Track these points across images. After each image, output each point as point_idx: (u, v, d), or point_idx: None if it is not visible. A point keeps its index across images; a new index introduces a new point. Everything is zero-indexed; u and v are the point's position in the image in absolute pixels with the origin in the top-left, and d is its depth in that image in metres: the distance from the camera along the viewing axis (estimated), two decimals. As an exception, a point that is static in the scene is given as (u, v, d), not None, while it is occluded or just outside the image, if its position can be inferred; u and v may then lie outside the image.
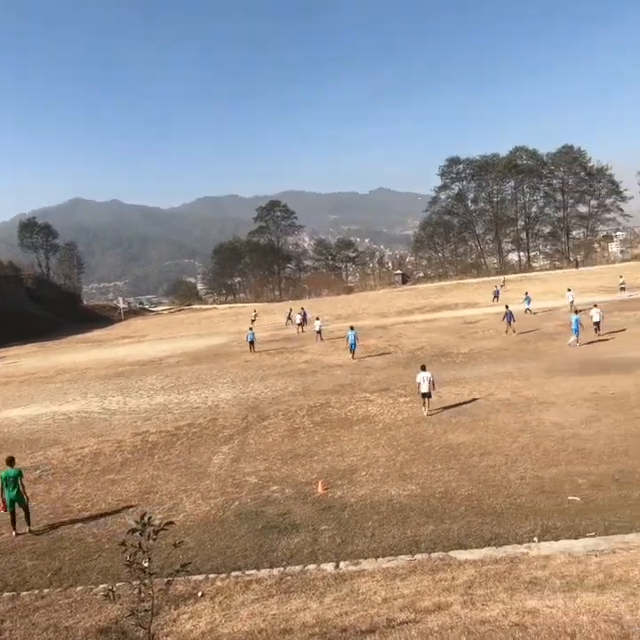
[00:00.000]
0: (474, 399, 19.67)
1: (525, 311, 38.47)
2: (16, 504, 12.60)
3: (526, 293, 41.43)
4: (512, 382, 21.50)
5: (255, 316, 56.72)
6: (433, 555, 9.56)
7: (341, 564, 9.62)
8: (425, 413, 18.40)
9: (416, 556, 9.59)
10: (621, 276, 47.65)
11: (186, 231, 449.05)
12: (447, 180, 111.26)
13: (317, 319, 41.20)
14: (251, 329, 38.84)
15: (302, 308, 49.09)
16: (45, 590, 9.78)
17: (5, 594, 9.80)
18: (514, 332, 32.26)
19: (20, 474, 12.80)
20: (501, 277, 73.19)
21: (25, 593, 9.75)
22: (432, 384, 18.38)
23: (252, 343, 37.22)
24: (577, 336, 27.69)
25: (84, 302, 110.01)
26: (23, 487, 12.76)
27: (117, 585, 7.39)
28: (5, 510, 12.56)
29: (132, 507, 13.30)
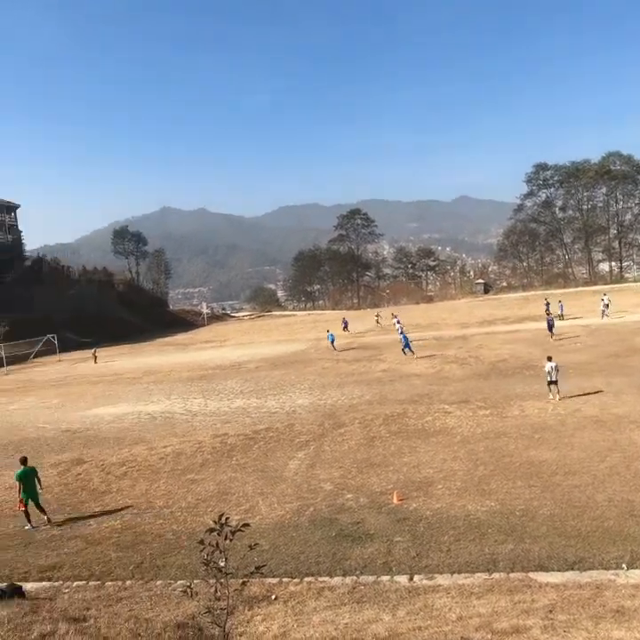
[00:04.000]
0: (559, 415, 18.85)
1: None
2: (30, 500, 13.37)
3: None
4: (600, 398, 20.42)
5: (378, 317, 59.06)
6: (511, 575, 9.21)
7: (415, 578, 9.45)
8: (554, 399, 20.51)
9: (493, 575, 9.27)
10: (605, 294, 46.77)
11: (267, 239, 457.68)
12: (533, 187, 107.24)
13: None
14: (328, 331, 43.29)
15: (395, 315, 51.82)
16: (128, 582, 10.22)
17: (91, 583, 10.33)
18: (552, 337, 35.36)
19: (34, 472, 13.63)
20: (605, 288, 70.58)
21: (109, 583, 10.24)
22: (557, 372, 20.75)
23: (332, 343, 41.29)
24: None
25: (170, 307, 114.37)
26: (40, 484, 13.64)
27: (195, 582, 7.57)
28: (24, 508, 13.31)
29: (210, 507, 13.68)
